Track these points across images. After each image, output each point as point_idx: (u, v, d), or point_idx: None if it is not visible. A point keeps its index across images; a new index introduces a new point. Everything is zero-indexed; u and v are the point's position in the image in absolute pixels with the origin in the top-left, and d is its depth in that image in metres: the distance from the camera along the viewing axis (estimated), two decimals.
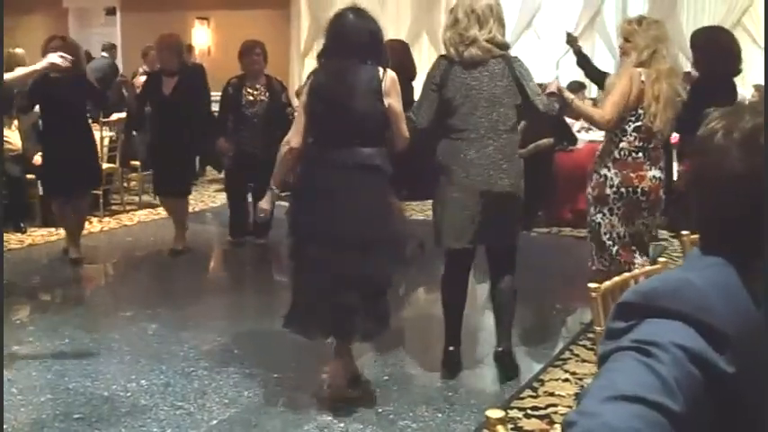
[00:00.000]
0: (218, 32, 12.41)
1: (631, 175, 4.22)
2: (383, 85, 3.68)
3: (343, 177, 3.67)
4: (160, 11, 12.26)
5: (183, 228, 6.68)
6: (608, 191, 4.26)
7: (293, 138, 3.80)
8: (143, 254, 6.80)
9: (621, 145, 4.22)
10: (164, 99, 6.34)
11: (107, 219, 7.89)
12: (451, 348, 4.19)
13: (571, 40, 5.83)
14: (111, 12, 13.55)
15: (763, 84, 7.22)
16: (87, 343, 4.58)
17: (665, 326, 1.04)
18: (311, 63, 11.79)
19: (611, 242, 4.33)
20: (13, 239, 6.96)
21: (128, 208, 8.30)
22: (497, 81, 3.90)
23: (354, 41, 3.71)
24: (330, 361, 3.88)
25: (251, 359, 4.35)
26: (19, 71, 4.72)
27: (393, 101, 3.71)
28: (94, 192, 7.25)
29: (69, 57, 4.62)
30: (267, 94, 6.54)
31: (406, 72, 5.64)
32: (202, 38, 12.45)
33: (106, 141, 7.96)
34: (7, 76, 4.55)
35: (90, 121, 6.60)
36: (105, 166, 7.94)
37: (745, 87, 8.26)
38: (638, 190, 4.23)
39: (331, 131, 3.72)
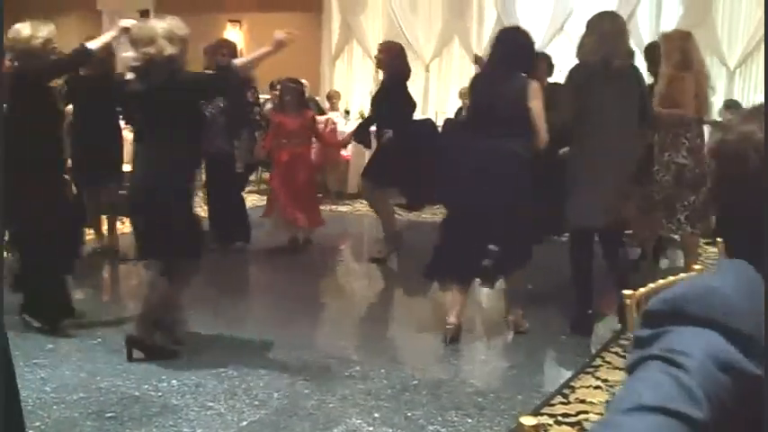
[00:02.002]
0: (250, 35, 12.47)
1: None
2: (528, 92, 4.51)
3: (490, 161, 4.48)
4: (193, 13, 12.28)
5: None
6: (687, 174, 5.42)
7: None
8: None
9: (689, 135, 5.32)
10: None
11: None
12: (590, 312, 4.78)
13: (477, 61, 6.41)
14: (144, 14, 13.67)
15: None
16: (119, 342, 4.60)
17: (691, 333, 1.04)
18: (342, 66, 11.84)
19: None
20: None
21: None
22: (626, 88, 4.63)
23: (510, 54, 4.61)
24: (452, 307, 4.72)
25: (281, 361, 4.37)
26: (98, 40, 4.79)
27: (535, 105, 4.50)
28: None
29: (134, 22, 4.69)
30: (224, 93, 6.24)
31: (401, 71, 6.40)
32: (234, 40, 12.50)
33: None
34: (91, 44, 4.70)
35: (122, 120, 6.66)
36: None
37: None
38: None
39: (485, 125, 4.53)
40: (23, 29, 4.68)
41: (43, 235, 4.60)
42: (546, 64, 6.81)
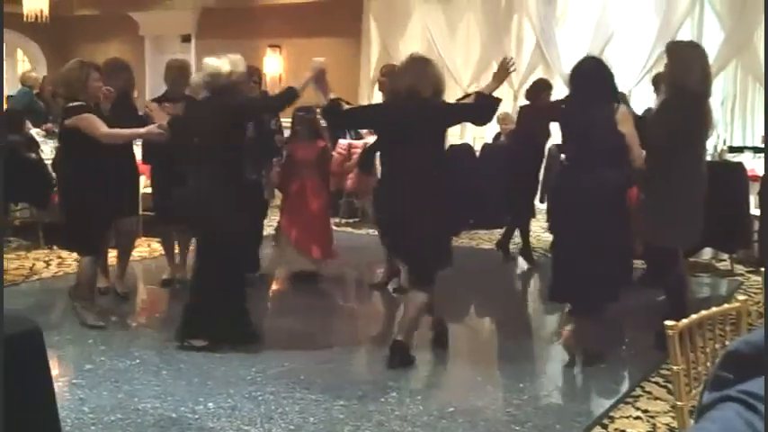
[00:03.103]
0: (289, 60, 12.60)
1: None
2: (618, 118, 4.54)
3: (590, 192, 4.53)
4: (233, 38, 12.50)
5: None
6: None
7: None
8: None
9: None
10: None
11: None
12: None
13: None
14: (186, 39, 13.90)
15: None
16: (157, 363, 4.65)
17: None
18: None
19: None
20: None
21: None
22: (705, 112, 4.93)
23: (594, 84, 4.66)
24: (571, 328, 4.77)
25: (317, 386, 4.35)
26: (302, 81, 5.02)
27: (626, 129, 4.55)
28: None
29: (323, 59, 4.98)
30: (253, 121, 6.10)
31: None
32: (274, 65, 12.65)
33: None
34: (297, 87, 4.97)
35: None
36: None
37: None
38: None
39: (581, 156, 4.65)
40: (222, 65, 4.79)
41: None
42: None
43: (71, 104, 5.24)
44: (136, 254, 6.82)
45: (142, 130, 5.40)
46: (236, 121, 4.95)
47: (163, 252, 6.70)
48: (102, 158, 5.24)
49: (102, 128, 5.19)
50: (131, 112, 6.01)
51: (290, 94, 4.96)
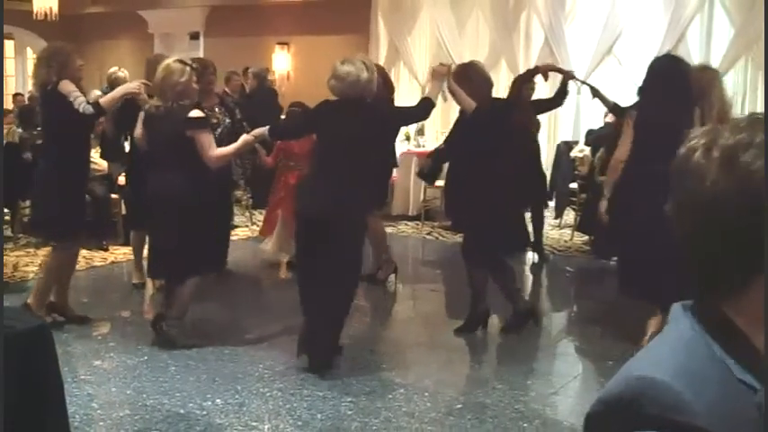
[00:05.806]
0: (297, 57, 12.61)
1: None
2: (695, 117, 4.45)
3: (662, 188, 4.18)
4: (242, 36, 12.54)
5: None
6: None
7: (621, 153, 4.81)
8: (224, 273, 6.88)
9: None
10: None
11: None
12: None
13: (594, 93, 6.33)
14: (194, 36, 13.92)
15: None
16: (165, 360, 4.66)
17: None
18: None
19: None
20: (96, 257, 7.16)
21: None
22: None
23: (672, 82, 4.60)
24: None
25: (325, 382, 4.36)
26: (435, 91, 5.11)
27: None
28: None
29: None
30: (226, 114, 6.07)
31: (388, 89, 6.40)
32: (282, 63, 12.66)
33: None
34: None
35: None
36: None
37: None
38: None
39: (658, 154, 4.22)
40: (360, 71, 4.59)
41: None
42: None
43: (195, 114, 4.80)
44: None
45: (240, 144, 4.98)
46: (387, 129, 5.15)
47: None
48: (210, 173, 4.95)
49: (214, 149, 4.82)
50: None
51: (429, 105, 4.93)
